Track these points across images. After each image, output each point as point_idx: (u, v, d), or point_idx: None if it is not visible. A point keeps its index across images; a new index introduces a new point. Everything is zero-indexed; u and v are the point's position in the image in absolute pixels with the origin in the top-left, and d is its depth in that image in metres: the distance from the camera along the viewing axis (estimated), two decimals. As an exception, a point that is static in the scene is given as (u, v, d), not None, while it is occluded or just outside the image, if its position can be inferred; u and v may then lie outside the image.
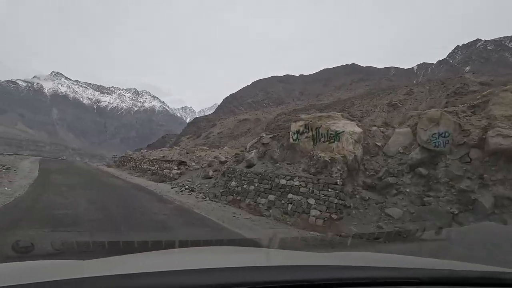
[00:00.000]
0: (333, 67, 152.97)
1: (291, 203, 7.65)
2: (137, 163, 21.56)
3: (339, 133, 8.02)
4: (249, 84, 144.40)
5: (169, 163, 16.32)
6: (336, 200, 6.87)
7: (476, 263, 1.48)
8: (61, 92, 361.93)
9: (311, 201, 7.26)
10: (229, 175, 10.31)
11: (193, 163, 15.72)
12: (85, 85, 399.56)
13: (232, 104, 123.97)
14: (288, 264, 1.42)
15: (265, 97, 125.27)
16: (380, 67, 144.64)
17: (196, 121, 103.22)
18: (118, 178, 16.08)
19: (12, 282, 0.89)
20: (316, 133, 8.56)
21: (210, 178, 12.37)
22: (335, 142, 8.04)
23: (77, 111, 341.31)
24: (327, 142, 8.23)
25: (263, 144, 10.35)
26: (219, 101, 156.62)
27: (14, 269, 1.31)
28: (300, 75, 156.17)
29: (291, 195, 7.78)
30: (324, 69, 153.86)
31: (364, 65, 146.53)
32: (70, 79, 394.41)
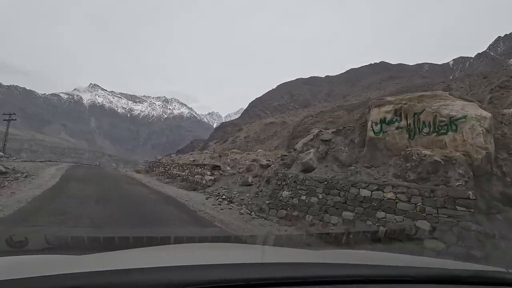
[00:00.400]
0: (361, 67, 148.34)
1: (383, 226, 5.19)
2: (167, 168, 20.52)
3: (456, 120, 5.61)
4: (274, 88, 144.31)
5: (201, 167, 14.74)
6: (473, 226, 4.34)
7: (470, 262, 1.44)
8: (98, 102, 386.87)
9: (423, 225, 4.73)
10: (278, 183, 8.14)
11: (228, 168, 14.04)
12: (119, 95, 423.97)
13: (257, 108, 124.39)
14: (282, 261, 1.41)
15: (291, 100, 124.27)
16: (411, 64, 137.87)
17: (222, 126, 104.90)
18: (145, 186, 14.25)
19: (3, 277, 0.88)
20: (415, 121, 6.17)
21: (250, 185, 10.51)
22: (450, 132, 5.64)
23: (112, 120, 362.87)
24: (435, 134, 5.85)
25: (323, 141, 8.27)
26: (245, 106, 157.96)
27: (6, 263, 1.30)
28: (326, 76, 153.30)
29: (383, 213, 5.34)
30: (351, 69, 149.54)
31: (393, 62, 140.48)
32: (106, 90, 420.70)
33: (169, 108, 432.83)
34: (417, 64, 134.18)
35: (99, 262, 1.36)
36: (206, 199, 9.93)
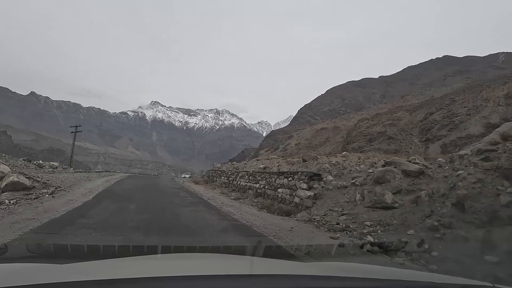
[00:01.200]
0: (420, 63, 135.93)
1: None
2: (231, 179, 17.19)
3: None
4: (323, 93, 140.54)
5: (287, 177, 10.24)
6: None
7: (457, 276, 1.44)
8: (159, 117, 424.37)
9: None
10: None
11: (330, 177, 9.31)
12: (176, 110, 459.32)
13: (307, 114, 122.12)
14: (271, 273, 1.40)
15: (342, 104, 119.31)
16: (482, 55, 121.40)
17: (272, 134, 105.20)
18: (210, 206, 9.62)
19: None
20: None
21: (390, 208, 6.32)
22: None
23: (171, 133, 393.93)
24: None
25: None
26: (294, 113, 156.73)
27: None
28: (379, 76, 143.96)
29: None
30: (409, 66, 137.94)
31: (460, 55, 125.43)
32: (165, 106, 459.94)
33: (221, 120, 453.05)
34: (490, 55, 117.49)
35: (83, 271, 1.35)
36: (332, 238, 5.43)
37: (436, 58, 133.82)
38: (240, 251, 3.91)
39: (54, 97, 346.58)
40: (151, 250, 3.56)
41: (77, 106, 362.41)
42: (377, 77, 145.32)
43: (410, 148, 25.18)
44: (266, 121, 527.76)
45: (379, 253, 4.55)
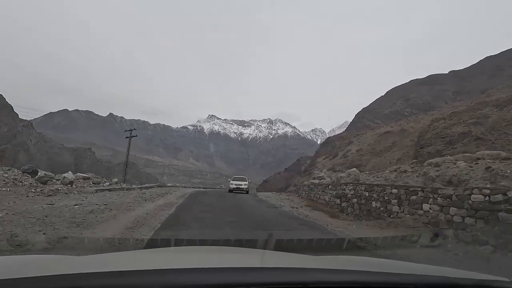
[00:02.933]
0: (502, 52, 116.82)
1: None
2: (378, 201, 9.71)
3: None
4: (383, 95, 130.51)
5: None
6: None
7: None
8: (215, 130, 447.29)
9: None
10: None
11: None
12: (231, 122, 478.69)
13: (366, 118, 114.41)
14: (282, 266, 1.39)
15: (406, 105, 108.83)
16: None
17: (328, 141, 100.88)
18: None
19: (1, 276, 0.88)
20: None
21: None
22: None
23: (226, 144, 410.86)
24: None
25: None
26: (349, 118, 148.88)
27: (6, 263, 1.32)
28: (450, 71, 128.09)
29: None
30: (488, 57, 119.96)
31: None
32: (220, 119, 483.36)
33: (274, 129, 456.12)
34: None
35: (99, 263, 1.37)
36: None
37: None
38: None
39: (127, 116, 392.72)
40: None
41: (145, 123, 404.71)
42: (447, 73, 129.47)
43: (509, 150, 20.73)
44: (320, 128, 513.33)
45: None
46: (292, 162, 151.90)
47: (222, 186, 30.77)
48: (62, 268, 1.18)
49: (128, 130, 41.21)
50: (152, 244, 4.97)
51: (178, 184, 47.38)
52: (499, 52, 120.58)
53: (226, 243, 4.60)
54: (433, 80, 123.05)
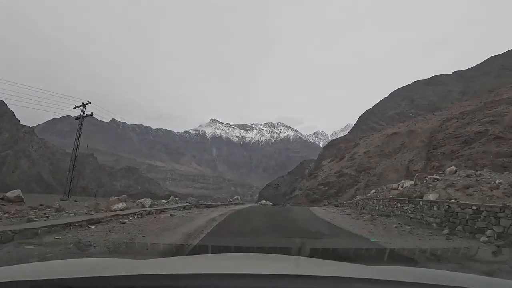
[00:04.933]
0: (507, 51, 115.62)
1: None
2: None
3: None
4: (386, 96, 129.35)
5: None
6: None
7: None
8: (217, 134, 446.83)
9: None
10: None
11: None
12: (233, 126, 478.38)
13: (370, 120, 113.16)
14: (317, 274, 1.36)
15: (411, 106, 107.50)
16: None
17: (333, 143, 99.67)
18: None
19: (70, 275, 1.04)
20: None
21: None
22: None
23: (229, 148, 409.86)
24: None
25: None
26: (351, 121, 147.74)
27: (74, 265, 1.47)
28: (454, 72, 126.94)
29: None
30: (492, 56, 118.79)
31: None
32: (222, 123, 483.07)
33: (276, 133, 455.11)
34: None
35: (156, 266, 1.46)
36: None
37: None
38: None
39: (129, 121, 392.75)
40: None
41: (147, 128, 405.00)
42: (451, 73, 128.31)
43: (535, 149, 19.51)
44: (322, 131, 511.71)
45: None
46: (295, 165, 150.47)
47: (238, 198, 28.39)
48: (118, 270, 1.32)
49: (80, 106, 26.56)
50: None
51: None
52: (503, 51, 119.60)
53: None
54: (437, 80, 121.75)
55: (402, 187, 15.81)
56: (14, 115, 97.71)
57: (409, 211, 10.84)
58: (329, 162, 60.32)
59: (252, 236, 7.74)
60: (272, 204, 33.20)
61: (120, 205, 10.58)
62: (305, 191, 49.56)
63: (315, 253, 4.74)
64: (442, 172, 14.67)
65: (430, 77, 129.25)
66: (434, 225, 9.09)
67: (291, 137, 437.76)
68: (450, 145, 28.25)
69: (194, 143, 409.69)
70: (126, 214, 9.21)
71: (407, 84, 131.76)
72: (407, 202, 11.27)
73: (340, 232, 8.88)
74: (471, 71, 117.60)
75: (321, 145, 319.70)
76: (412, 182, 15.58)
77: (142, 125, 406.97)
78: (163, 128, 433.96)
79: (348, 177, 43.32)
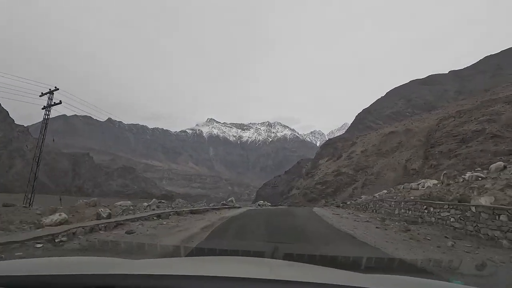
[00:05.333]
0: (502, 51, 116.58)
1: None
2: None
3: None
4: (383, 95, 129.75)
5: None
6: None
7: None
8: (214, 133, 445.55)
9: None
10: None
11: None
12: (230, 125, 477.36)
13: (367, 119, 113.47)
14: (295, 279, 1.31)
15: (407, 106, 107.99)
16: None
17: (330, 142, 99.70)
18: None
19: (56, 272, 1.08)
20: None
21: None
22: None
23: (226, 148, 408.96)
24: None
25: None
26: (348, 120, 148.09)
27: (64, 263, 1.46)
28: (450, 71, 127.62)
29: None
30: (488, 56, 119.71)
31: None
32: (219, 122, 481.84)
33: (273, 132, 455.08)
34: None
35: (147, 267, 1.47)
36: None
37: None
38: None
39: (126, 121, 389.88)
40: None
41: (144, 127, 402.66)
42: (447, 72, 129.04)
43: (533, 148, 19.50)
44: (319, 130, 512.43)
45: None
46: (292, 164, 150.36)
47: (232, 200, 22.01)
48: (96, 268, 1.31)
49: (47, 93, 22.77)
50: None
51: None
52: (498, 51, 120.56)
53: None
54: (433, 80, 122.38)
55: (423, 187, 13.94)
56: (8, 114, 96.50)
57: (451, 219, 8.48)
58: (326, 161, 60.25)
59: None
60: (270, 205, 29.85)
61: (56, 217, 7.69)
62: (303, 190, 49.45)
63: None
64: (480, 169, 13.16)
65: (427, 77, 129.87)
66: (505, 242, 6.32)
67: (288, 137, 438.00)
68: (448, 143, 28.26)
69: (191, 143, 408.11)
70: (47, 235, 5.97)
71: (403, 83, 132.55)
72: (446, 207, 8.87)
73: (393, 265, 5.06)
74: (467, 70, 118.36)
75: (318, 145, 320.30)
76: (435, 181, 13.99)
77: (138, 124, 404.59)
78: (160, 127, 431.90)
79: (345, 176, 43.26)
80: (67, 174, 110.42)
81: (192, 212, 13.12)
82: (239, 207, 20.03)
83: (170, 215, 11.18)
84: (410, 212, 11.19)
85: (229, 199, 21.95)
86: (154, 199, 15.71)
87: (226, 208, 17.82)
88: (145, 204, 13.75)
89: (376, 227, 9.76)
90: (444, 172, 13.26)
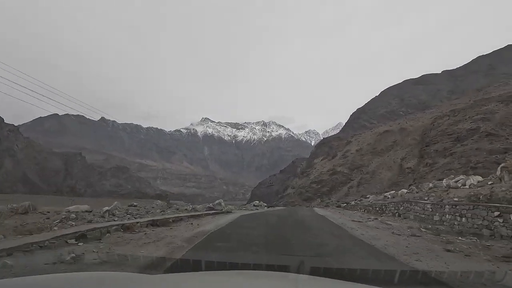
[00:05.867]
0: (493, 51, 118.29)
1: None
2: None
3: None
4: (377, 95, 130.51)
5: None
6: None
7: None
8: (209, 133, 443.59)
9: None
10: None
11: None
12: (225, 125, 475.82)
13: (361, 118, 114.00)
14: None
15: (401, 105, 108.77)
16: None
17: (324, 142, 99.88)
18: None
19: None
20: None
21: None
22: None
23: (221, 147, 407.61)
24: None
25: None
26: (342, 120, 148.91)
27: (83, 278, 1.47)
28: (443, 71, 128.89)
29: None
30: (480, 56, 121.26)
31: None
32: (214, 122, 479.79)
33: (268, 131, 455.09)
34: None
35: (171, 282, 1.45)
36: None
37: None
38: None
39: (119, 120, 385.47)
40: None
41: (138, 127, 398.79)
42: (440, 72, 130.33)
43: (528, 145, 19.55)
44: (314, 130, 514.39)
45: None
46: (287, 164, 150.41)
47: (220, 203, 16.57)
48: (134, 285, 1.30)
49: None
50: None
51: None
52: (490, 51, 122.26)
53: None
54: (426, 79, 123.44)
55: (465, 185, 11.45)
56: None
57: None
58: (321, 160, 60.22)
59: None
60: (267, 206, 28.19)
61: None
62: (298, 190, 49.34)
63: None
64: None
65: (420, 76, 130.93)
66: None
67: (283, 136, 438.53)
68: (443, 142, 28.30)
69: (186, 142, 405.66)
70: None
71: (397, 83, 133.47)
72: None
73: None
74: (459, 70, 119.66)
75: (312, 144, 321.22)
76: (480, 178, 11.64)
77: (132, 123, 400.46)
78: (154, 126, 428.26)
79: (341, 175, 43.22)
80: (59, 174, 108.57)
81: (155, 223, 8.80)
82: (229, 212, 15.78)
83: (109, 231, 6.86)
84: (464, 219, 8.42)
85: (217, 201, 17.04)
86: (116, 202, 12.03)
87: (211, 214, 13.50)
88: (105, 208, 10.25)
89: (446, 250, 5.84)
90: (502, 165, 10.51)
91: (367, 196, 23.53)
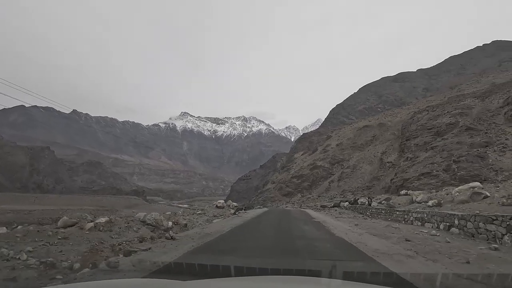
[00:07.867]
0: (465, 52, 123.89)
1: None
2: None
3: None
4: (356, 92, 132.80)
5: None
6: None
7: None
8: (188, 128, 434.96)
9: None
10: None
11: None
12: (204, 119, 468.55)
13: (340, 114, 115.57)
14: None
15: (379, 101, 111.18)
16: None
17: (305, 136, 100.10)
18: None
19: None
20: None
21: None
22: None
23: (200, 142, 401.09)
24: None
25: None
26: (322, 116, 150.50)
27: (121, 285, 1.57)
28: (418, 70, 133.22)
29: None
30: (452, 56, 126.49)
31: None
32: (194, 116, 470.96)
33: (248, 127, 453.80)
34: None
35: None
36: None
37: (484, 44, 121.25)
38: None
39: (93, 113, 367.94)
40: None
41: (113, 120, 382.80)
42: (415, 71, 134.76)
43: (507, 139, 19.59)
44: (294, 125, 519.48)
45: None
46: (267, 159, 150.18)
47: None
48: None
49: None
50: None
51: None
52: (461, 52, 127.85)
53: None
54: (403, 77, 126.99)
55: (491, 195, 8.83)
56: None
57: None
58: (301, 155, 59.88)
59: None
60: (244, 206, 21.11)
61: None
62: (278, 184, 48.61)
63: None
64: None
65: (397, 74, 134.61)
66: None
67: (263, 131, 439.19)
68: (423, 136, 28.26)
69: (164, 137, 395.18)
70: None
71: (375, 80, 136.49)
72: None
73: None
74: (433, 69, 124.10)
75: (292, 140, 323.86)
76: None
77: (107, 117, 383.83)
78: (131, 120, 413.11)
79: (321, 169, 42.86)
80: (24, 169, 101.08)
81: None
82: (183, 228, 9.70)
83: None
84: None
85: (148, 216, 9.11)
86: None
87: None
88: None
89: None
90: None
91: (358, 199, 19.08)
